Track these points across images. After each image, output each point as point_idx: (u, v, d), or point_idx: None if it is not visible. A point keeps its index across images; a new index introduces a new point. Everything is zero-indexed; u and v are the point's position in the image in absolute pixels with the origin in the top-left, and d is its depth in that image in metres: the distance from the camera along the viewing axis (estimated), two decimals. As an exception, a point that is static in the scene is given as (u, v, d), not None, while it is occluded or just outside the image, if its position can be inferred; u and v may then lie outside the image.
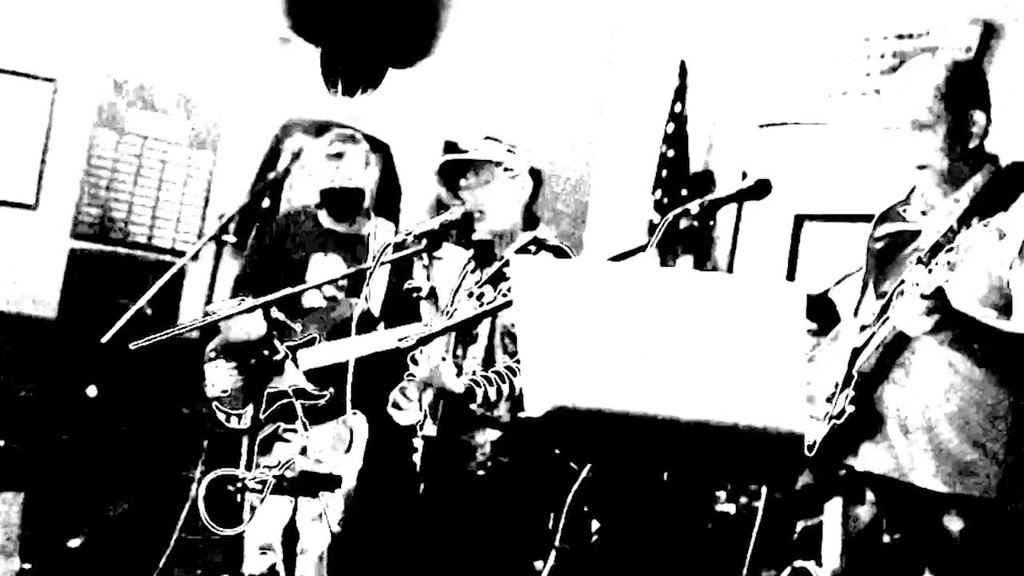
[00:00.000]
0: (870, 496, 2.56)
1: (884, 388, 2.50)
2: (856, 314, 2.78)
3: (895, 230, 2.67)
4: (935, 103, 2.47)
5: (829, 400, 2.59)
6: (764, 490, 3.23)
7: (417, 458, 3.19)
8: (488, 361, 3.16)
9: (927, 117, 2.48)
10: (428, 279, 3.35)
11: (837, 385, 2.57)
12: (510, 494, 3.14)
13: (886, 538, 2.54)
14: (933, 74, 2.50)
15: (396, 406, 3.28)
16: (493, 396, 3.05)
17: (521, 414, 1.90)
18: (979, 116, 2.51)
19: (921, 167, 2.53)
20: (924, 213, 2.59)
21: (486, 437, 3.16)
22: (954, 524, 2.44)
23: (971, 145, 2.52)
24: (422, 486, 3.25)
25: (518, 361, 3.10)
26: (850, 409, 2.48)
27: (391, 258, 3.14)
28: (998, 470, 2.42)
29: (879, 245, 2.71)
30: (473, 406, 3.06)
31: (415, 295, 3.19)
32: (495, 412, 3.15)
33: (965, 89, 2.50)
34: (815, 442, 2.57)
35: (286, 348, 3.77)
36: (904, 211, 2.66)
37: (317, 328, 3.82)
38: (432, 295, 3.24)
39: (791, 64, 5.20)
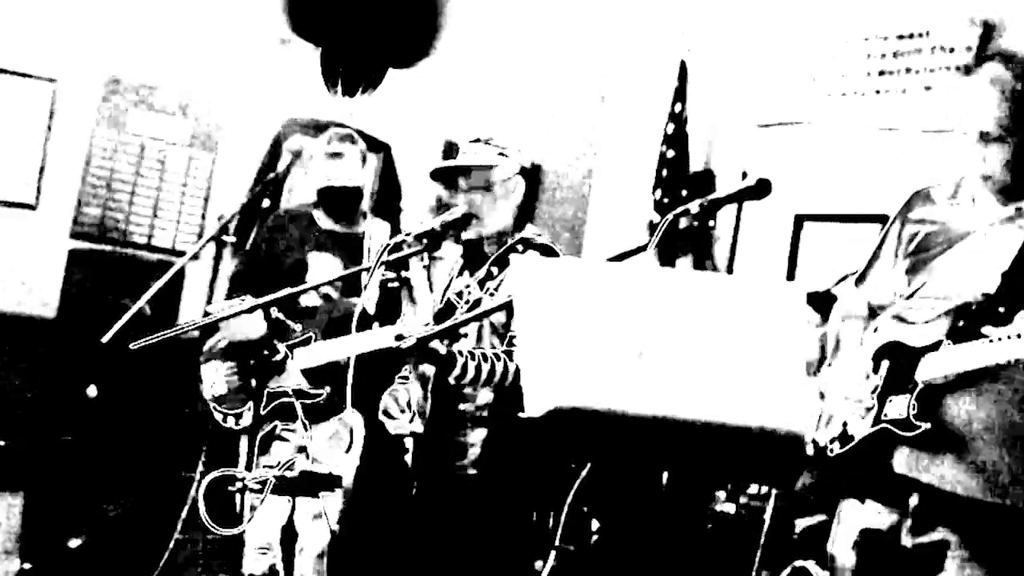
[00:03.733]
0: (914, 500, 2.50)
1: (950, 400, 2.41)
2: (861, 281, 2.73)
3: (936, 218, 2.59)
4: (1006, 116, 2.40)
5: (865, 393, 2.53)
6: (764, 490, 3.20)
7: (408, 458, 3.20)
8: None
9: (996, 131, 2.41)
10: (428, 279, 3.36)
11: (876, 385, 2.51)
12: (502, 492, 3.14)
13: (908, 542, 2.50)
14: (1006, 86, 2.42)
15: (387, 414, 3.28)
16: (472, 371, 3.02)
17: (521, 414, 1.89)
18: None
19: (985, 177, 2.47)
20: (976, 211, 2.52)
21: (477, 435, 3.16)
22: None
23: None
24: (415, 486, 3.25)
25: (506, 351, 3.10)
26: (924, 425, 2.39)
27: (391, 258, 3.14)
28: None
29: (915, 228, 2.62)
30: (453, 377, 3.02)
31: (388, 284, 3.18)
32: (480, 397, 3.14)
33: None
34: (853, 436, 2.51)
35: (286, 348, 3.76)
36: (952, 204, 2.58)
37: (313, 327, 3.81)
38: (405, 283, 3.22)
39: (791, 64, 5.20)
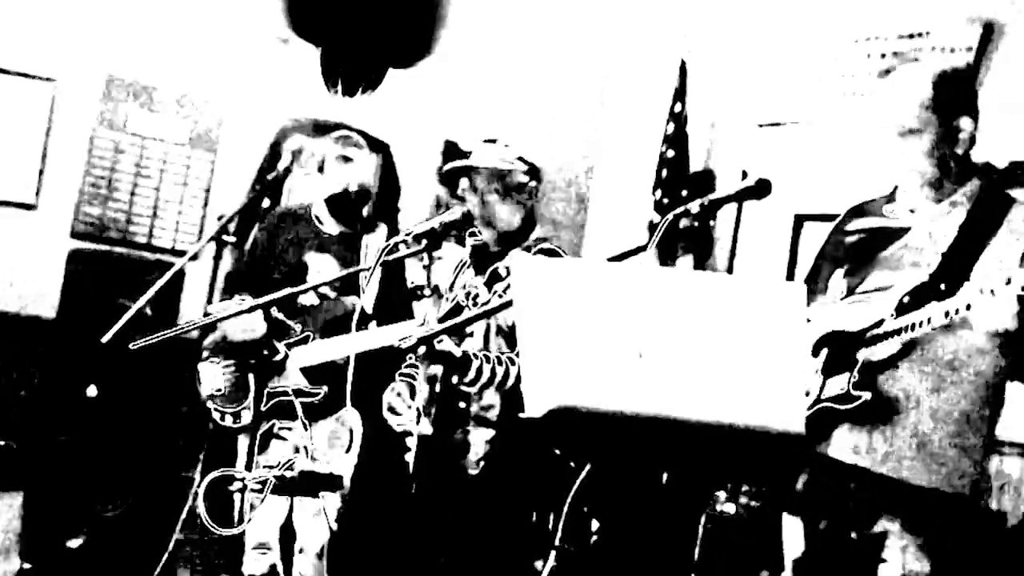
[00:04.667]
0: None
1: (886, 376, 2.49)
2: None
3: (872, 226, 2.67)
4: (921, 110, 2.50)
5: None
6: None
7: (410, 457, 3.19)
8: None
9: (914, 124, 2.50)
10: (428, 279, 3.36)
11: (816, 368, 2.57)
12: (503, 492, 3.14)
13: (854, 534, 2.54)
14: (920, 82, 2.52)
15: (392, 411, 3.27)
16: (487, 373, 3.03)
17: (521, 414, 1.89)
18: (966, 123, 2.53)
19: (910, 172, 2.55)
20: (912, 211, 2.60)
21: (480, 436, 3.16)
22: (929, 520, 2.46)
23: (959, 151, 2.53)
24: (415, 485, 3.25)
25: (518, 354, 3.10)
26: (864, 395, 2.46)
27: (392, 257, 3.14)
28: (973, 469, 2.47)
29: (852, 239, 2.70)
30: (467, 380, 3.02)
31: (419, 292, 3.19)
32: (484, 398, 3.14)
33: (952, 96, 2.52)
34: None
35: (285, 348, 3.76)
36: (887, 209, 2.66)
37: (311, 327, 3.81)
38: (436, 292, 3.24)
39: (791, 64, 5.20)
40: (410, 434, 3.18)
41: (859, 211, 2.76)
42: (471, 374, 3.01)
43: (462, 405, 3.17)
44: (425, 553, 3.19)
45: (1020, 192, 2.56)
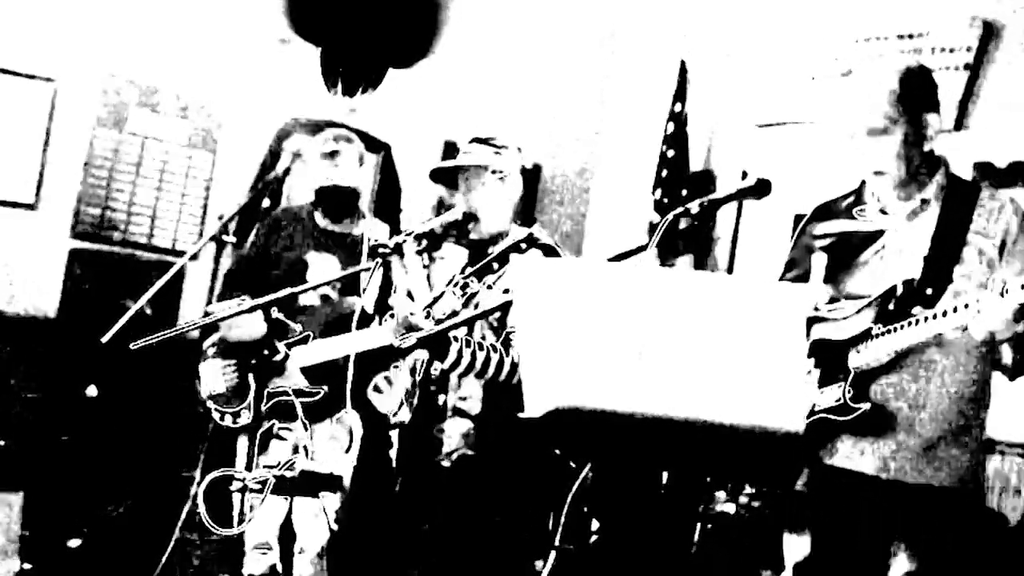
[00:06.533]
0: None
1: (880, 384, 2.49)
2: None
3: (844, 229, 2.67)
4: (890, 109, 2.49)
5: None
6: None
7: (392, 452, 3.19)
8: None
9: (882, 123, 2.49)
10: (428, 279, 3.35)
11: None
12: (479, 487, 3.12)
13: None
14: (886, 80, 2.51)
15: (377, 389, 3.26)
16: (467, 358, 2.99)
17: (521, 414, 1.89)
18: (932, 119, 2.53)
19: (878, 173, 2.53)
20: (884, 212, 2.60)
21: (453, 427, 3.15)
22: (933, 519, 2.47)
23: (926, 148, 2.53)
24: (400, 480, 3.24)
25: (502, 343, 3.08)
26: (863, 406, 2.46)
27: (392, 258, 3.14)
28: (973, 465, 2.50)
29: (824, 243, 2.69)
30: (446, 364, 2.99)
31: (380, 250, 3.15)
32: (462, 388, 3.13)
33: (918, 93, 2.52)
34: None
35: (285, 348, 3.76)
36: (857, 211, 2.66)
37: (312, 326, 3.81)
38: (398, 250, 3.20)
39: (791, 64, 5.20)
40: (395, 425, 3.17)
41: (825, 212, 2.75)
42: (451, 357, 2.97)
43: (441, 398, 3.16)
44: (421, 551, 3.18)
45: (1020, 192, 2.56)
